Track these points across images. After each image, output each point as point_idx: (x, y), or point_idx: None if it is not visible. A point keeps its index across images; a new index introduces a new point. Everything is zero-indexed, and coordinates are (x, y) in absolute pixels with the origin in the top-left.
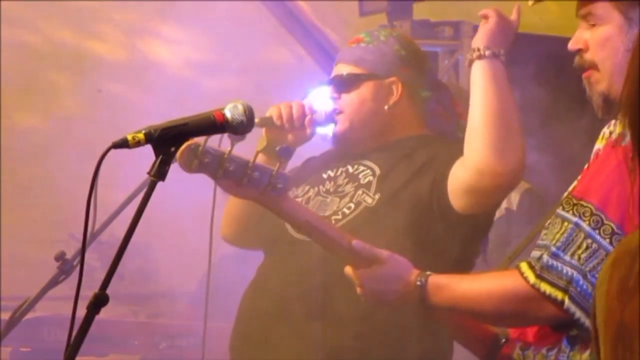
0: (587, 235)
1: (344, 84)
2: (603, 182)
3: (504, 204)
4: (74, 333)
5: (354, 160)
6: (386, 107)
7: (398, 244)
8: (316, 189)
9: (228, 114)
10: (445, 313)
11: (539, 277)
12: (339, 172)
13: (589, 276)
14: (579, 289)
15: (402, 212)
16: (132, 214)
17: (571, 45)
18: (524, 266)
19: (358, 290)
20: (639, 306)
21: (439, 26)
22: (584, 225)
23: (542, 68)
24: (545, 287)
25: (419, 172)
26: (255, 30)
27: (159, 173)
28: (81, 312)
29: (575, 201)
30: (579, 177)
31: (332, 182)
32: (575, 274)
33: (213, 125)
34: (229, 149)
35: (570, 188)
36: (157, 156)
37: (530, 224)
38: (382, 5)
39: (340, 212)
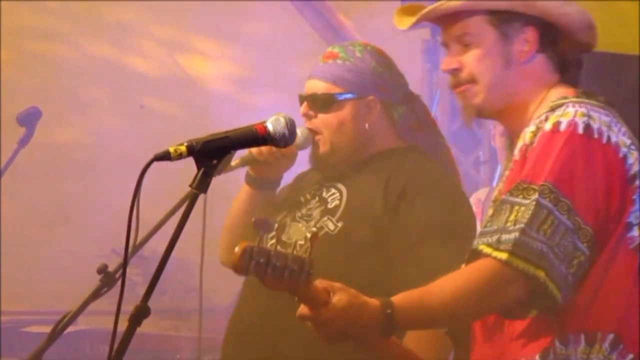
0: (550, 212)
1: (321, 103)
2: (554, 164)
3: None
4: (115, 346)
5: (329, 182)
6: (366, 126)
7: (351, 275)
8: (293, 214)
9: (270, 126)
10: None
11: (512, 253)
12: (313, 196)
13: (556, 250)
14: (550, 262)
15: (360, 246)
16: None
17: (445, 66)
18: (486, 249)
19: (319, 332)
20: None
21: None
22: (546, 202)
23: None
24: (518, 263)
25: (383, 199)
26: (295, 46)
27: (201, 185)
28: (122, 326)
29: (524, 186)
30: (507, 174)
31: (306, 206)
32: (545, 247)
33: (255, 138)
34: (273, 246)
35: (500, 183)
36: (198, 169)
37: None
38: None
39: (303, 237)
